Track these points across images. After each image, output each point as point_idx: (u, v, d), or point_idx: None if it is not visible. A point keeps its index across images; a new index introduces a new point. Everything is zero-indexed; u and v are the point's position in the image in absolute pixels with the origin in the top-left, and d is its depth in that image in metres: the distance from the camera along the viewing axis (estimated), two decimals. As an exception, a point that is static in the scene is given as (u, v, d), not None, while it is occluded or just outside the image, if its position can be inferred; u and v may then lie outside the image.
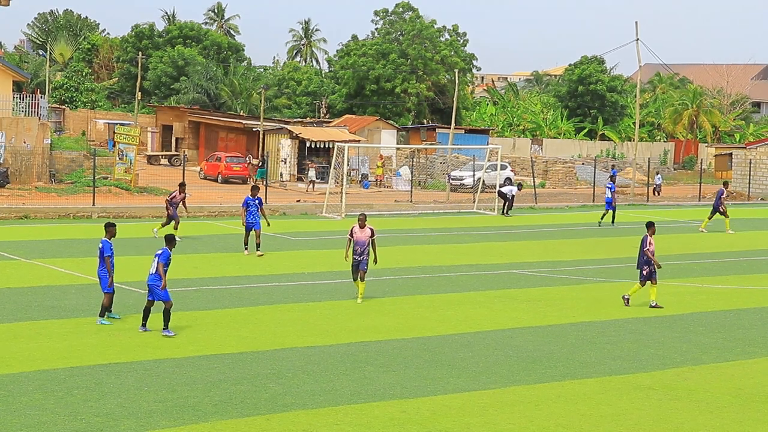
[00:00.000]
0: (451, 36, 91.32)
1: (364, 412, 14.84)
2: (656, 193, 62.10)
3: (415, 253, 32.33)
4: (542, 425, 14.57)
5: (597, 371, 17.71)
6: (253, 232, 30.41)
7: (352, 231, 23.09)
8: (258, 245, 30.49)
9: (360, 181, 62.01)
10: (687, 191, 65.62)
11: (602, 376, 17.40)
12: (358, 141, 63.26)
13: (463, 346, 19.31)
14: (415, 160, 63.55)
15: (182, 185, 33.57)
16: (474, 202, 48.76)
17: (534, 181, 56.47)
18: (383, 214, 44.75)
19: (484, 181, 52.81)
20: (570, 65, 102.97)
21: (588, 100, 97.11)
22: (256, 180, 60.00)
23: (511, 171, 65.40)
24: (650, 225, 24.26)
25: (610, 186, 41.78)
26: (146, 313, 19.65)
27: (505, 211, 45.52)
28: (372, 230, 23.11)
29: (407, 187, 56.49)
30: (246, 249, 30.67)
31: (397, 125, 78.41)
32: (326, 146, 61.77)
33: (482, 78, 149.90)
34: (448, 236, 37.30)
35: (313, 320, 21.34)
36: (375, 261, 23.28)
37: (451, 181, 57.48)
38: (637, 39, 58.93)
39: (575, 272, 28.93)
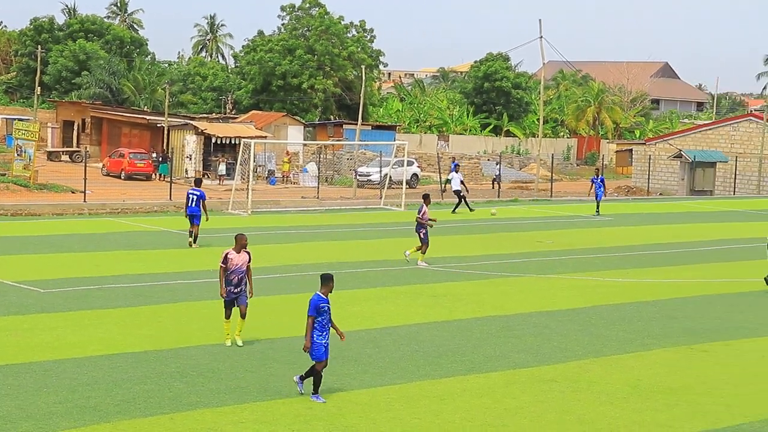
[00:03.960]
0: (358, 32, 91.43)
1: (270, 410, 14.79)
2: (497, 185, 62.47)
3: (322, 249, 32.28)
4: (447, 419, 14.69)
5: (501, 365, 17.91)
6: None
7: (226, 257, 18.33)
8: (195, 237, 30.96)
9: (267, 178, 61.74)
10: (589, 186, 66.60)
11: (506, 369, 17.61)
12: (265, 137, 62.97)
13: (369, 342, 19.35)
14: (322, 156, 63.46)
15: (427, 196, 29.92)
16: (381, 198, 48.88)
17: (440, 177, 56.85)
18: (290, 211, 44.60)
19: (390, 177, 52.99)
20: (475, 62, 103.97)
21: (493, 96, 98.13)
22: (160, 176, 59.33)
23: (418, 167, 65.75)
24: None
25: (601, 179, 46.40)
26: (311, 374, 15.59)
27: (469, 208, 45.09)
28: (249, 255, 18.54)
29: (314, 183, 56.41)
30: (194, 242, 31.00)
31: (304, 121, 78.23)
32: (232, 142, 61.30)
33: (389, 74, 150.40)
34: (354, 232, 37.33)
35: (219, 318, 21.11)
36: (251, 293, 18.63)
37: (358, 177, 57.53)
38: (541, 36, 59.68)
39: (480, 267, 29.20)
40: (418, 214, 29.01)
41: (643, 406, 15.71)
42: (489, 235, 37.33)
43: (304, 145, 69.29)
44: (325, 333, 15.29)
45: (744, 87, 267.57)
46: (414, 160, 65.68)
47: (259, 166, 61.59)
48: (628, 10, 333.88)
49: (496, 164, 66.57)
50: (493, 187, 61.83)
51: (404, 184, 49.15)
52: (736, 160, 67.45)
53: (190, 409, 14.60)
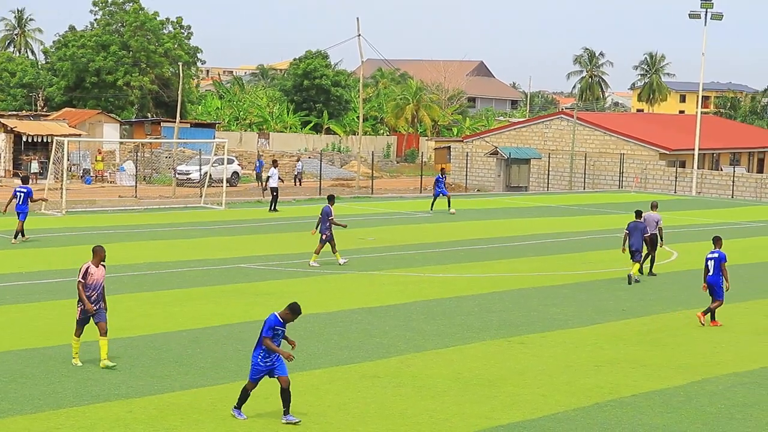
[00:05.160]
0: (174, 29, 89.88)
1: (88, 414, 14.37)
2: (298, 183, 62.72)
3: (141, 249, 31.61)
4: (271, 418, 14.60)
5: (325, 362, 17.94)
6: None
7: (86, 272, 17.00)
8: (21, 233, 31.83)
9: (82, 177, 60.09)
10: (409, 183, 67.72)
11: (330, 366, 17.65)
12: (79, 135, 61.27)
13: (191, 342, 19.05)
14: (139, 154, 62.15)
15: (331, 197, 30.09)
16: (201, 196, 48.27)
17: (261, 175, 56.54)
18: (107, 210, 43.51)
19: (211, 175, 52.39)
20: (295, 60, 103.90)
21: (313, 94, 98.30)
22: None
23: (239, 165, 65.25)
24: (639, 213, 28.37)
25: (439, 178, 46.68)
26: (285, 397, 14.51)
27: (273, 207, 44.70)
28: (105, 267, 17.46)
29: (131, 182, 55.21)
30: (15, 239, 31.73)
31: (120, 119, 76.43)
32: (44, 140, 59.35)
33: (207, 71, 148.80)
34: (175, 231, 36.72)
35: (33, 321, 20.44)
36: (105, 308, 17.40)
37: (177, 175, 56.65)
38: (359, 35, 60.16)
39: (303, 265, 29.19)
40: (330, 215, 28.88)
41: (464, 398, 16.02)
42: (310, 233, 37.33)
43: (121, 143, 67.73)
44: (272, 356, 14.38)
45: (555, 86, 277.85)
46: (234, 158, 65.20)
47: (74, 165, 59.88)
48: (444, 10, 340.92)
49: (298, 161, 66.61)
50: (295, 185, 61.86)
51: (224, 182, 48.70)
52: (549, 157, 69.77)
53: (1, 417, 14.03)
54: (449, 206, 45.93)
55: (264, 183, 51.16)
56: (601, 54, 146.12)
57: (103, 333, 16.99)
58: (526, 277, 28.41)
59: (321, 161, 62.66)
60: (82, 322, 17.14)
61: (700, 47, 66.74)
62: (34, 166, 57.40)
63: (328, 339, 19.77)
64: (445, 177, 47.87)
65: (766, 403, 16.34)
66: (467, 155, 71.42)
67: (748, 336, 21.49)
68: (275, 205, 44.69)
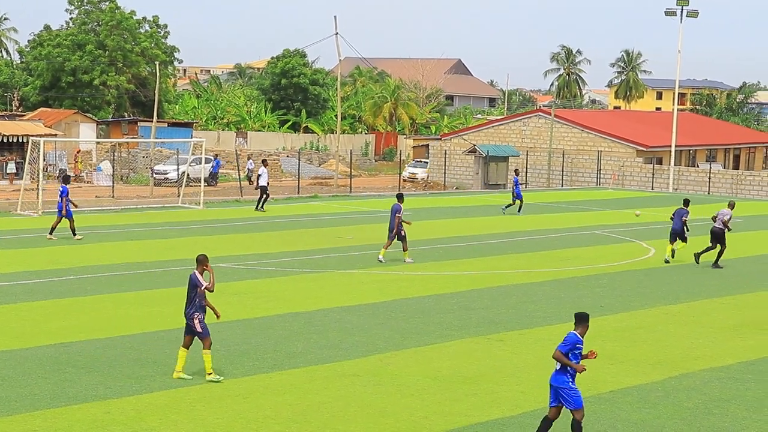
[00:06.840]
0: (151, 27, 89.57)
1: (65, 416, 14.29)
2: (214, 182, 61.57)
3: (119, 249, 31.46)
4: (250, 418, 14.57)
5: (304, 361, 17.91)
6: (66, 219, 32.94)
7: (201, 279, 16.85)
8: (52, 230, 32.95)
9: (58, 177, 59.73)
10: (387, 182, 67.70)
11: (309, 365, 17.62)
12: (55, 135, 60.95)
13: (170, 342, 18.95)
14: (116, 154, 61.88)
15: (400, 196, 30.36)
16: (179, 196, 48.09)
17: (239, 174, 56.47)
18: (84, 211, 43.27)
19: (188, 174, 52.21)
20: (272, 58, 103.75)
21: (291, 93, 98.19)
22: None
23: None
24: (686, 202, 31.32)
25: (515, 180, 47.27)
26: (546, 425, 13.74)
27: (260, 206, 44.42)
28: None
29: (108, 182, 54.96)
30: (75, 235, 32.99)
31: (96, 118, 76.10)
32: (20, 141, 59.01)
33: (184, 70, 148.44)
34: (152, 231, 36.57)
35: (8, 323, 20.31)
36: (218, 315, 17.07)
37: (154, 175, 56.43)
38: (336, 33, 60.09)
39: (281, 264, 29.15)
40: (399, 212, 29.31)
41: (443, 396, 16.02)
42: (289, 232, 37.32)
43: (98, 143, 67.42)
44: (574, 378, 13.47)
45: (533, 83, 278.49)
46: (212, 158, 64.99)
47: (50, 165, 59.57)
48: (421, 8, 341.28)
49: (249, 158, 66.26)
50: (250, 184, 61.53)
51: (202, 181, 48.55)
52: (527, 154, 69.89)
53: (-21, 420, 13.95)
54: (509, 207, 46.19)
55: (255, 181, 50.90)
56: (579, 52, 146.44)
57: (207, 346, 16.43)
58: (505, 274, 28.46)
59: (299, 160, 62.57)
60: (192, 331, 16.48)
61: (676, 44, 67.03)
62: (11, 167, 57.11)
63: (308, 338, 19.73)
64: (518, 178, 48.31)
65: (743, 398, 16.44)
66: (445, 153, 71.47)
67: (725, 331, 21.61)
68: (262, 205, 44.56)
